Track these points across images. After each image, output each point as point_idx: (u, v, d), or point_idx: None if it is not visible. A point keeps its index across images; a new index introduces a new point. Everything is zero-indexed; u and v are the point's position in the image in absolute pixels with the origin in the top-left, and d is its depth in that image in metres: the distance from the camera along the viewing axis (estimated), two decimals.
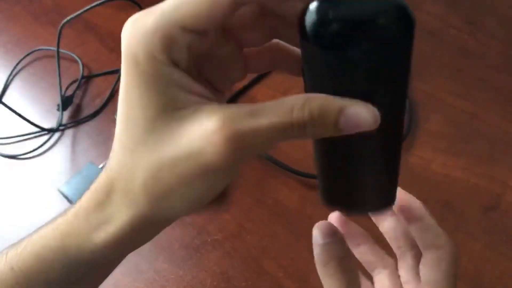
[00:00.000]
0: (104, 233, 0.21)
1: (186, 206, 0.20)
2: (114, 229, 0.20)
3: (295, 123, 0.17)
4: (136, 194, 0.19)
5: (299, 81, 0.56)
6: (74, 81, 0.56)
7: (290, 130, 0.17)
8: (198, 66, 0.18)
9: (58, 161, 0.49)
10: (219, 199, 0.43)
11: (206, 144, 0.17)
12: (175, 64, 0.17)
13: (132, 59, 0.18)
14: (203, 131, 0.17)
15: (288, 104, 0.17)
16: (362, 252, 0.28)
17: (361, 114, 0.17)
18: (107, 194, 0.21)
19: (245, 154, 0.17)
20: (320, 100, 0.17)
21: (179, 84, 0.18)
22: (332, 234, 0.23)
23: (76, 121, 0.52)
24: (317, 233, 0.23)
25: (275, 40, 0.21)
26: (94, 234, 0.21)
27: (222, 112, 0.17)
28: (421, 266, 0.24)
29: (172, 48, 0.17)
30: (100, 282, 0.26)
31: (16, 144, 0.51)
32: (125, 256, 0.24)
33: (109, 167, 0.21)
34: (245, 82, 0.53)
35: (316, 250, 0.23)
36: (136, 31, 0.18)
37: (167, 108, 0.17)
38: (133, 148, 0.19)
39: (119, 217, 0.20)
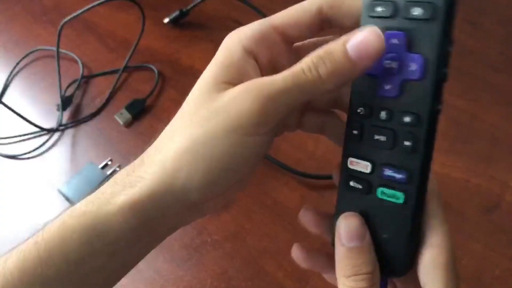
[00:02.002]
0: (123, 196, 0.20)
1: (210, 176, 0.20)
2: (133, 193, 0.20)
3: (305, 70, 0.19)
4: (165, 159, 0.20)
5: None
6: (74, 81, 0.56)
7: (304, 82, 0.19)
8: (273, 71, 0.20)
9: (58, 161, 0.49)
10: None
11: (239, 109, 0.19)
12: (255, 57, 0.21)
13: (226, 47, 0.22)
14: (234, 93, 0.20)
15: (299, 64, 0.19)
16: None
17: (364, 36, 0.18)
18: (142, 159, 0.22)
19: (272, 115, 0.19)
20: (323, 48, 0.19)
21: (246, 71, 0.21)
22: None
23: (76, 121, 0.52)
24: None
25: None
26: (114, 198, 0.21)
27: (251, 81, 0.20)
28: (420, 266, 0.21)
29: (260, 43, 0.21)
30: (116, 271, 0.22)
31: (16, 144, 0.51)
32: (140, 239, 0.21)
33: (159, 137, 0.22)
34: None
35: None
36: (237, 31, 0.22)
37: (221, 85, 0.20)
38: (180, 117, 0.21)
39: (142, 181, 0.21)
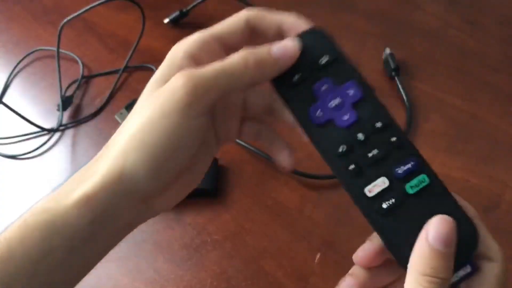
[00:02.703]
0: (79, 190, 0.22)
1: (153, 162, 0.22)
2: (87, 186, 0.22)
3: (234, 59, 0.22)
4: (114, 153, 0.22)
5: None
6: (74, 81, 0.56)
7: (233, 69, 0.22)
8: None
9: (58, 161, 0.49)
10: (219, 199, 0.43)
11: (173, 91, 0.22)
12: (196, 61, 0.24)
13: (171, 52, 0.25)
14: (169, 84, 0.22)
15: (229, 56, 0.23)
16: None
17: (285, 41, 0.23)
18: (99, 155, 0.23)
19: (198, 90, 0.22)
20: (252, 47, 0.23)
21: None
22: None
23: (76, 121, 0.52)
24: None
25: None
26: (72, 192, 0.22)
27: (184, 69, 0.23)
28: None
29: (200, 48, 0.25)
30: (75, 268, 0.23)
31: (16, 144, 0.51)
32: (96, 233, 0.22)
33: None
34: None
35: None
36: (182, 40, 0.26)
37: (166, 80, 0.23)
38: (129, 116, 0.24)
39: (95, 175, 0.22)
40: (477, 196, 0.42)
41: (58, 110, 0.52)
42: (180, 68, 0.23)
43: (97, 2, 0.52)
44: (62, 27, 0.52)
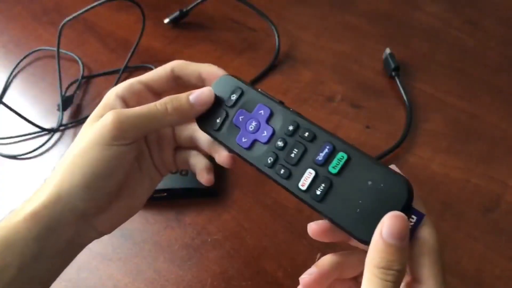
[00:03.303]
0: (28, 206, 0.26)
1: (85, 183, 0.26)
2: (34, 203, 0.26)
3: (157, 104, 0.28)
4: (56, 173, 0.27)
5: (298, 82, 0.56)
6: (74, 81, 0.56)
7: (154, 112, 0.28)
8: None
9: (58, 161, 0.49)
10: (219, 199, 0.43)
11: (102, 126, 0.26)
12: (126, 103, 0.29)
13: (105, 96, 0.29)
14: (101, 120, 0.27)
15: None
16: None
17: (202, 90, 0.29)
18: (48, 177, 0.27)
19: (124, 126, 0.26)
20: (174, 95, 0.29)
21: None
22: None
23: (76, 121, 0.52)
24: None
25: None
26: (22, 209, 0.26)
27: (116, 110, 0.27)
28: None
29: (130, 92, 0.30)
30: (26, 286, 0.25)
31: (17, 144, 0.51)
32: (43, 250, 0.26)
33: None
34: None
35: None
36: (115, 86, 0.30)
37: (99, 116, 0.28)
38: (74, 141, 0.28)
39: (41, 192, 0.26)
40: (477, 196, 0.42)
41: (58, 110, 0.52)
42: (112, 108, 0.28)
43: (97, 2, 0.52)
44: (62, 27, 0.52)
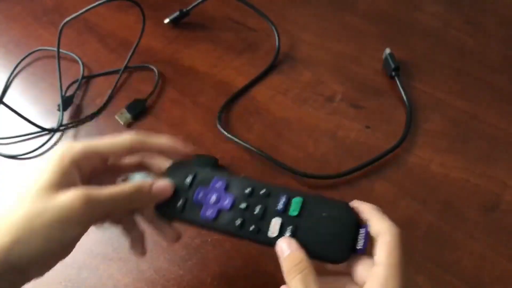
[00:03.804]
0: None
1: (43, 247, 0.26)
2: None
3: (126, 190, 0.29)
4: (9, 232, 0.26)
5: (298, 82, 0.56)
6: (74, 81, 0.56)
7: (123, 195, 0.29)
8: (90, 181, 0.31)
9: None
10: None
11: (69, 208, 0.27)
12: (80, 168, 0.29)
13: (59, 157, 0.29)
14: (68, 195, 0.27)
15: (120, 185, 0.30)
16: None
17: (163, 183, 0.31)
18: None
19: (93, 211, 0.28)
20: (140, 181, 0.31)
21: (73, 178, 0.29)
22: None
23: (76, 121, 0.52)
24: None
25: None
26: None
27: (83, 188, 0.28)
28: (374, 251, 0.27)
29: (85, 159, 0.30)
30: None
31: (17, 144, 0.51)
32: None
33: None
34: (244, 82, 0.54)
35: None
36: (69, 147, 0.30)
37: (55, 186, 0.28)
38: (18, 201, 0.28)
39: None
40: (476, 196, 0.42)
41: (59, 110, 0.52)
42: (69, 175, 0.28)
43: (97, 3, 0.52)
44: (62, 27, 0.52)
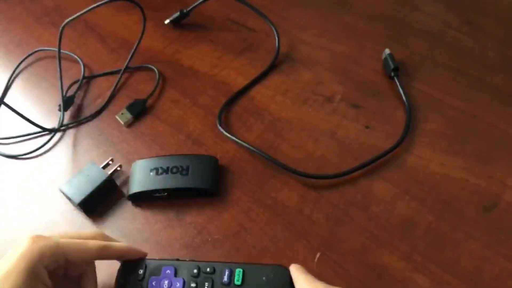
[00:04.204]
0: None
1: None
2: None
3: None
4: None
5: (298, 82, 0.56)
6: (75, 82, 0.56)
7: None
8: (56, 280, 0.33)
9: (59, 160, 0.49)
10: (219, 199, 0.44)
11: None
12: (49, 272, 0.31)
13: (29, 261, 0.30)
14: None
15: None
16: None
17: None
18: None
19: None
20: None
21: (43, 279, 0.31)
22: None
23: (77, 121, 0.52)
24: None
25: None
26: None
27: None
28: None
29: (51, 262, 0.31)
30: None
31: (18, 144, 0.51)
32: None
33: None
34: (244, 82, 0.54)
35: None
36: (38, 246, 0.31)
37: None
38: None
39: None
40: (476, 196, 0.42)
41: (59, 110, 0.52)
42: (37, 277, 0.30)
43: (98, 3, 0.52)
44: (63, 28, 0.52)
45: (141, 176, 0.44)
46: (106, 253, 0.34)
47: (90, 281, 0.35)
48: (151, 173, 0.44)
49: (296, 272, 0.32)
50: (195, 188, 0.43)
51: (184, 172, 0.43)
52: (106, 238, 0.36)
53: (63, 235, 0.34)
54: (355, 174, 0.44)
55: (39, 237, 0.32)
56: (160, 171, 0.44)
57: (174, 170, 0.43)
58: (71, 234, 0.34)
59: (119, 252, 0.35)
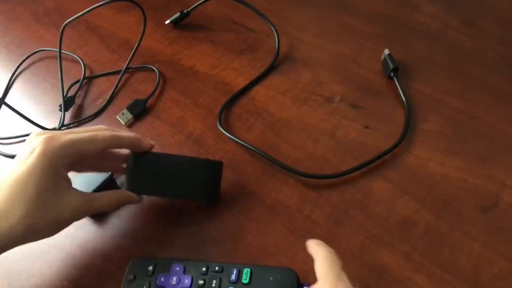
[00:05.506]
0: None
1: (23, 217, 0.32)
2: None
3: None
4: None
5: (298, 82, 0.57)
6: (76, 82, 0.56)
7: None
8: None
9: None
10: (219, 199, 0.44)
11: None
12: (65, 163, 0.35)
13: (48, 160, 0.33)
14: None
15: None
16: None
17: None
18: None
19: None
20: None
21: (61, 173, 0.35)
22: None
23: (78, 121, 0.52)
24: None
25: None
26: None
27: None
28: None
29: (67, 158, 0.35)
30: None
31: (18, 144, 0.51)
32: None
33: None
34: (244, 83, 0.54)
35: None
36: (52, 146, 0.34)
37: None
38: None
39: None
40: (475, 195, 0.43)
41: (60, 110, 0.52)
42: (61, 174, 0.35)
43: (98, 4, 0.52)
44: (64, 28, 0.52)
45: (137, 174, 0.40)
46: (115, 142, 0.37)
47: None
48: (148, 173, 0.40)
49: (315, 248, 0.32)
50: (194, 197, 0.41)
51: (184, 179, 0.40)
52: (111, 129, 0.38)
53: (71, 131, 0.36)
54: (354, 174, 0.44)
55: (51, 137, 0.34)
56: (158, 173, 0.40)
57: (174, 174, 0.40)
58: (78, 130, 0.37)
59: (127, 140, 0.38)
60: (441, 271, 0.38)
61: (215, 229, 0.42)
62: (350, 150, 0.47)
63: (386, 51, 0.54)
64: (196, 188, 0.41)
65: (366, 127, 0.49)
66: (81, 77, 0.56)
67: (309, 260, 0.39)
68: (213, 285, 0.34)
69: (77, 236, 0.41)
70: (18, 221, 0.32)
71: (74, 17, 0.51)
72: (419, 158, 0.46)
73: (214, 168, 0.42)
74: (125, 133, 0.38)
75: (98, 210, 0.37)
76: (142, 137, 0.39)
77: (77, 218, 0.36)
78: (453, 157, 0.46)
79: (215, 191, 0.42)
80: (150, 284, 0.35)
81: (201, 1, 0.62)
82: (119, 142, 0.37)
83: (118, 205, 0.39)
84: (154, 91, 0.54)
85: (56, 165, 0.33)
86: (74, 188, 0.36)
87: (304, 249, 0.40)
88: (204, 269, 0.35)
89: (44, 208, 0.33)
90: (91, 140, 0.35)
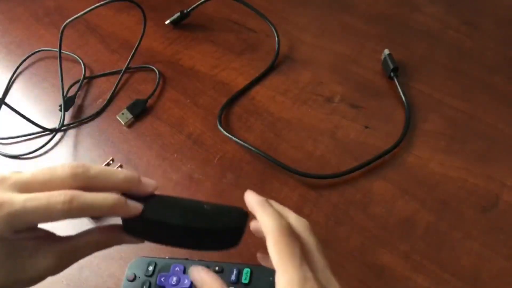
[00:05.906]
0: None
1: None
2: None
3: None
4: None
5: (298, 82, 0.56)
6: (76, 82, 0.56)
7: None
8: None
9: (60, 161, 0.49)
10: (219, 199, 0.44)
11: None
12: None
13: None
14: None
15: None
16: None
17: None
18: None
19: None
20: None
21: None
22: None
23: (78, 121, 0.52)
24: None
25: None
26: None
27: None
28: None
29: (18, 228, 0.27)
30: None
31: (19, 144, 0.51)
32: None
33: None
34: (244, 83, 0.54)
35: None
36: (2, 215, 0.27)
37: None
38: None
39: None
40: (475, 195, 0.43)
41: (60, 110, 0.52)
42: (11, 241, 0.28)
43: (98, 4, 0.52)
44: (64, 28, 0.52)
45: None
46: (86, 212, 0.28)
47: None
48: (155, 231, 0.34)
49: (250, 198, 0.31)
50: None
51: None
52: (85, 179, 0.29)
53: (31, 193, 0.28)
54: (354, 174, 0.44)
55: (2, 203, 0.27)
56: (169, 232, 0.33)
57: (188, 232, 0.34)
58: (42, 177, 0.29)
59: (105, 207, 0.28)
60: (441, 271, 0.38)
61: None
62: (350, 150, 0.47)
63: (386, 51, 0.55)
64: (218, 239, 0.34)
65: (366, 127, 0.49)
66: (81, 77, 0.56)
67: None
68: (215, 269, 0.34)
69: None
70: None
71: (74, 17, 0.51)
72: (419, 158, 0.46)
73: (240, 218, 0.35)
74: (101, 195, 0.28)
75: (83, 257, 0.31)
76: (135, 182, 0.29)
77: (55, 273, 0.30)
78: (453, 157, 0.46)
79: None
80: (150, 284, 0.35)
81: (201, 1, 0.62)
82: (91, 210, 0.28)
83: (112, 245, 0.31)
84: (154, 91, 0.54)
85: (6, 235, 0.27)
86: (44, 246, 0.29)
87: None
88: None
89: (5, 278, 0.27)
90: (46, 213, 0.27)
